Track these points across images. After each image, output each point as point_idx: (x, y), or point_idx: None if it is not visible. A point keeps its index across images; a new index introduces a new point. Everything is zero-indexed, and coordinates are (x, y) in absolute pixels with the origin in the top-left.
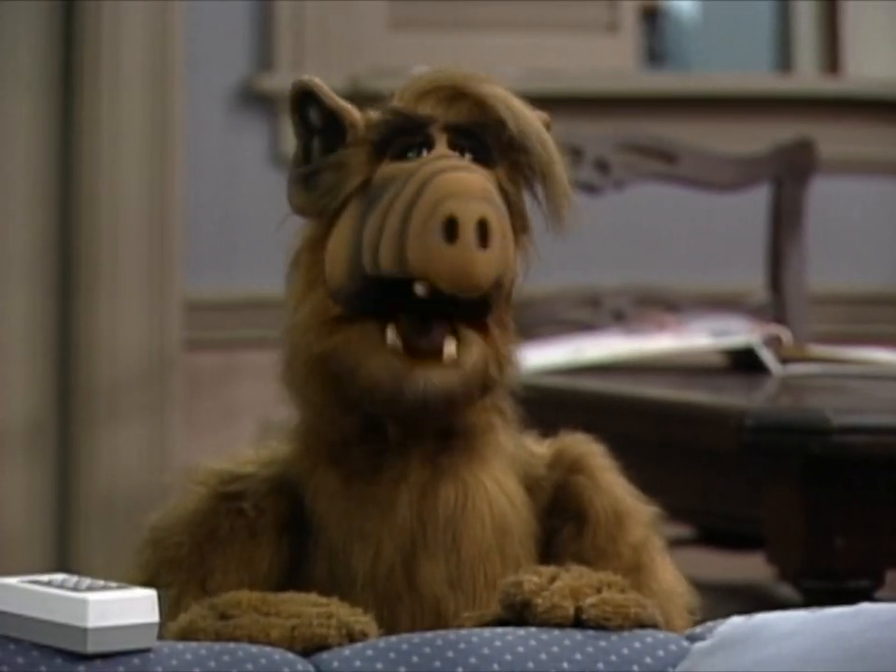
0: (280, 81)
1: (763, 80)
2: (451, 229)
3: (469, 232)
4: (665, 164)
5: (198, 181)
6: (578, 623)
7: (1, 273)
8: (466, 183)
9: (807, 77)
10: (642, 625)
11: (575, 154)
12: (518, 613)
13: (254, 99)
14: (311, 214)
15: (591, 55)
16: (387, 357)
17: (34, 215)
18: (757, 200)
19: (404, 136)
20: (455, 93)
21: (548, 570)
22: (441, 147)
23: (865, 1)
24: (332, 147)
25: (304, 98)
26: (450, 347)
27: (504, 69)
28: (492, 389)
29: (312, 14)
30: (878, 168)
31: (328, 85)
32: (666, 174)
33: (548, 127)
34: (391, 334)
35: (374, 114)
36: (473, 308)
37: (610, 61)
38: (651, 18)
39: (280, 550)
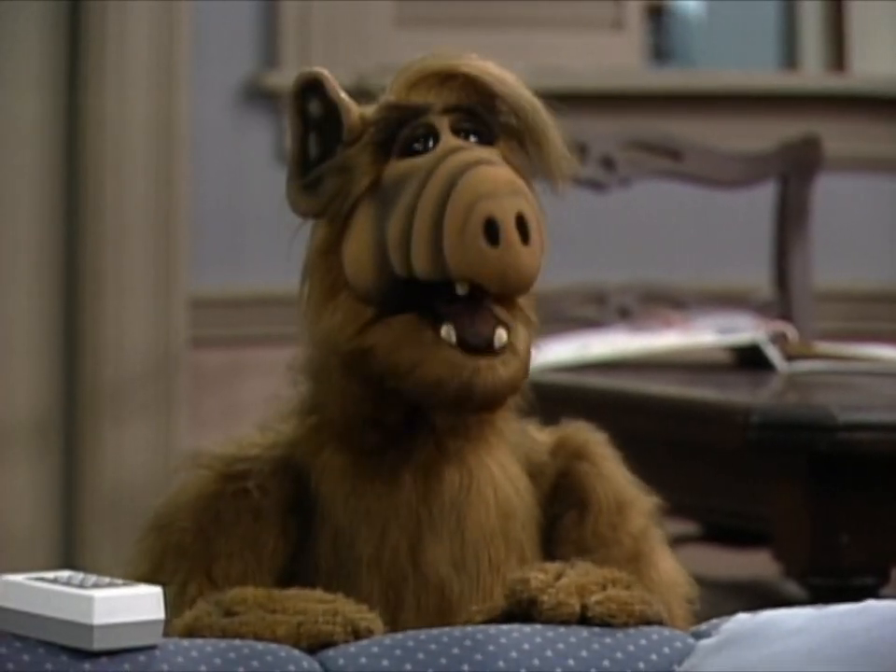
0: (286, 79)
1: (769, 78)
2: (492, 231)
3: (511, 232)
4: (670, 161)
5: (203, 179)
6: (583, 620)
7: (7, 270)
8: (495, 180)
9: (813, 75)
10: (647, 622)
11: (581, 151)
12: (524, 609)
13: (260, 96)
14: (317, 217)
15: (597, 52)
16: (447, 355)
17: (39, 213)
18: (763, 197)
19: (407, 130)
20: (445, 76)
21: (554, 567)
22: (447, 136)
23: None
24: (329, 144)
25: (308, 89)
26: (501, 336)
27: (510, 66)
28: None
29: (318, 12)
30: (884, 165)
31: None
32: (672, 171)
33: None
34: (446, 330)
35: (369, 111)
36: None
37: (616, 58)
38: (657, 15)
39: (285, 531)
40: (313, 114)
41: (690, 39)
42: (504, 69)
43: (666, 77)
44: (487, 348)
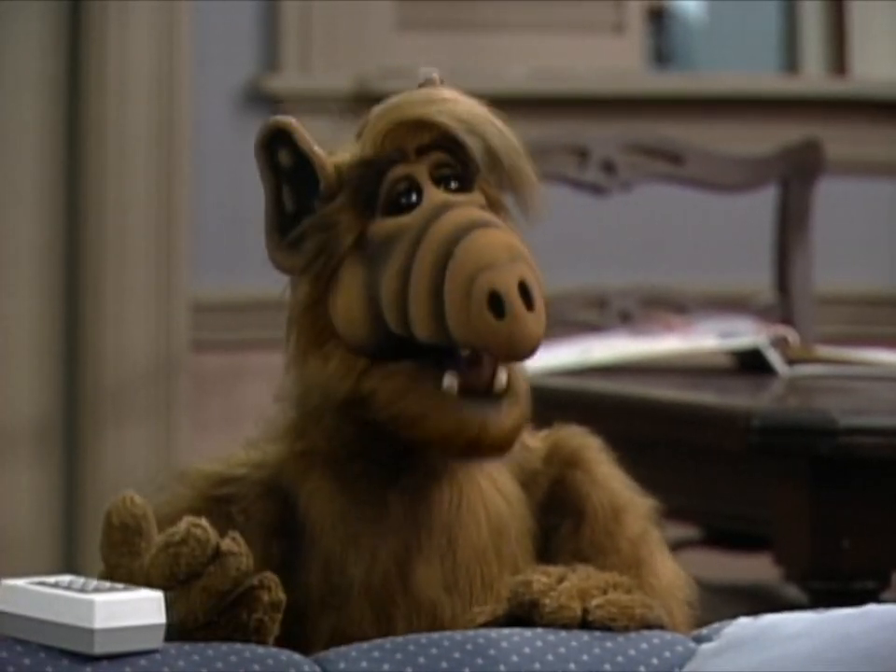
0: (287, 82)
1: (770, 81)
2: (496, 303)
3: (516, 303)
4: (671, 165)
5: (204, 182)
6: (585, 623)
7: (8, 274)
8: (493, 247)
9: (814, 79)
10: (648, 626)
11: (581, 155)
12: (526, 612)
13: (260, 100)
14: (300, 274)
15: (597, 56)
16: (452, 409)
17: (40, 216)
18: (764, 201)
19: (387, 185)
20: (417, 124)
21: (556, 570)
22: (429, 189)
23: (872, 2)
24: (303, 196)
25: (275, 139)
26: (501, 380)
27: (511, 70)
28: None
29: (318, 15)
30: (885, 169)
31: (334, 86)
32: (673, 174)
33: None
34: (448, 381)
35: (342, 160)
36: None
37: (617, 61)
38: (658, 18)
39: (269, 555)
40: (283, 164)
41: (691, 42)
42: (470, 101)
43: (667, 81)
44: (487, 391)
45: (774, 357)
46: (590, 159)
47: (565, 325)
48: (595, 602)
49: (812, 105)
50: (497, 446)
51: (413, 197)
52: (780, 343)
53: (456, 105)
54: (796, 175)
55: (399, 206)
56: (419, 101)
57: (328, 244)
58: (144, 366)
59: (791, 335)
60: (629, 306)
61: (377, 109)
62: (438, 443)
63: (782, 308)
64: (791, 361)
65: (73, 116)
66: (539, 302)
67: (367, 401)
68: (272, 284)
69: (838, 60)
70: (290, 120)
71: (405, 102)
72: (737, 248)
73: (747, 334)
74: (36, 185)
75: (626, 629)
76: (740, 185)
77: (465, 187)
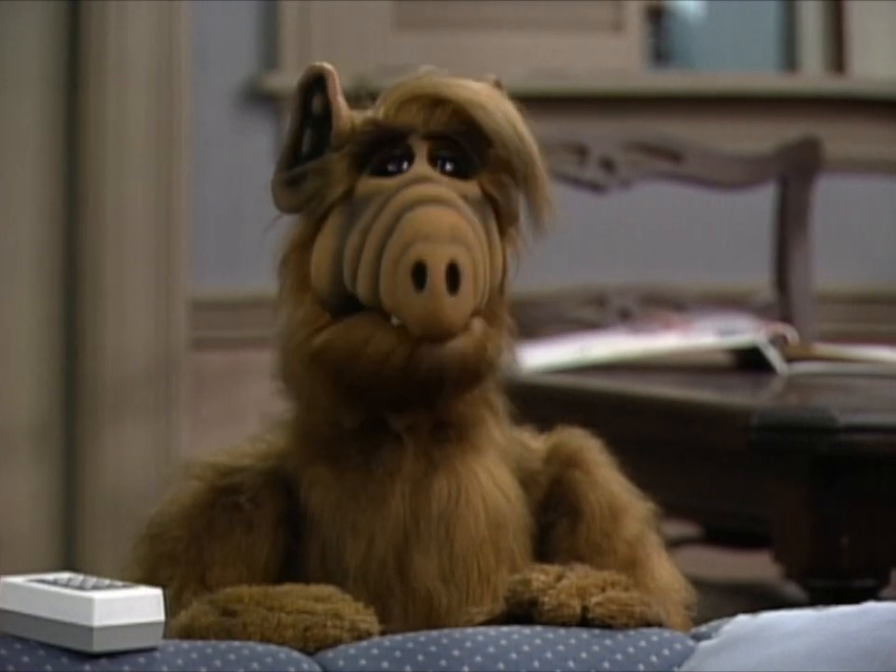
0: (286, 80)
1: (769, 79)
2: (420, 275)
3: (438, 279)
4: (670, 163)
5: (204, 180)
6: (584, 621)
7: (7, 272)
8: (437, 223)
9: (813, 77)
10: (647, 624)
11: (581, 153)
12: (525, 611)
13: (260, 98)
14: (297, 212)
15: (596, 54)
16: (396, 331)
17: (39, 214)
18: (763, 199)
19: (384, 149)
20: (435, 100)
21: (554, 569)
22: (421, 161)
23: (871, 1)
24: (321, 144)
25: (314, 85)
26: None
27: (510, 69)
28: (490, 373)
29: (318, 13)
30: (884, 167)
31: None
32: (672, 172)
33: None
34: (396, 319)
35: (359, 118)
36: None
37: (616, 60)
38: (657, 17)
39: (276, 543)
40: (314, 110)
41: (690, 41)
42: (497, 95)
43: (666, 79)
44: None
45: (773, 355)
46: (589, 157)
47: (564, 322)
48: (594, 600)
49: (811, 104)
50: (436, 371)
51: (405, 165)
52: (779, 341)
53: (477, 92)
54: (795, 173)
55: (387, 171)
56: (441, 79)
57: (321, 189)
58: (143, 364)
59: (790, 333)
60: (628, 304)
61: (401, 78)
62: (378, 365)
63: (781, 306)
64: (790, 359)
65: (73, 115)
66: (465, 289)
67: (325, 352)
68: (271, 283)
69: (837, 58)
70: (329, 69)
71: (427, 76)
72: (736, 246)
73: (746, 332)
74: (36, 184)
75: (625, 627)
76: (739, 183)
77: (460, 173)
